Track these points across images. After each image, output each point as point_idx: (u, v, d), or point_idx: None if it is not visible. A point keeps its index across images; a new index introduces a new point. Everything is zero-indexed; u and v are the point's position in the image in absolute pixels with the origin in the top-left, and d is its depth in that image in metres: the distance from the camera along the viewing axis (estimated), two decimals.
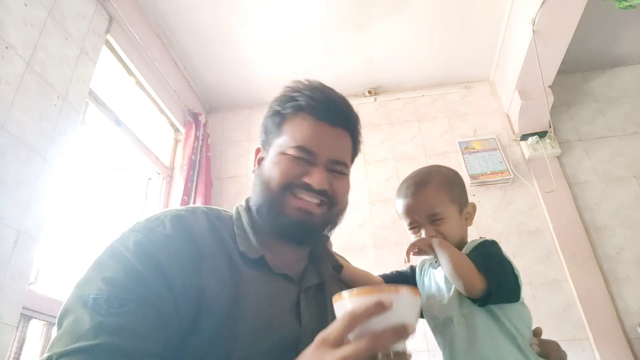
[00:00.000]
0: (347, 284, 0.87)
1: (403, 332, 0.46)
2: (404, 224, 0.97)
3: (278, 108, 0.77)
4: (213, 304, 0.61)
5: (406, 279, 0.98)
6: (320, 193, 0.71)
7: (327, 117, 0.74)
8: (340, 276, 0.86)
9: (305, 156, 0.71)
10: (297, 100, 0.74)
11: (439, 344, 0.88)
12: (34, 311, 1.37)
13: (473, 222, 0.97)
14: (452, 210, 0.92)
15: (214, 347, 0.59)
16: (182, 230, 0.65)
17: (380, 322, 0.46)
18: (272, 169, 0.73)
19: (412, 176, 0.99)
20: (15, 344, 1.28)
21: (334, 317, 0.51)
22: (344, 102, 0.77)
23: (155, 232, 0.64)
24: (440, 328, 0.86)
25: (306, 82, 0.77)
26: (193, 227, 0.67)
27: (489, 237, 0.91)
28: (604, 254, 2.23)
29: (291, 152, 0.72)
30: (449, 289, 0.87)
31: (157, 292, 0.58)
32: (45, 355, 0.52)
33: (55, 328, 0.58)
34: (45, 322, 1.42)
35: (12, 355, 1.26)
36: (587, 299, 2.11)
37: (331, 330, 0.47)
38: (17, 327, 1.27)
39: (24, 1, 1.41)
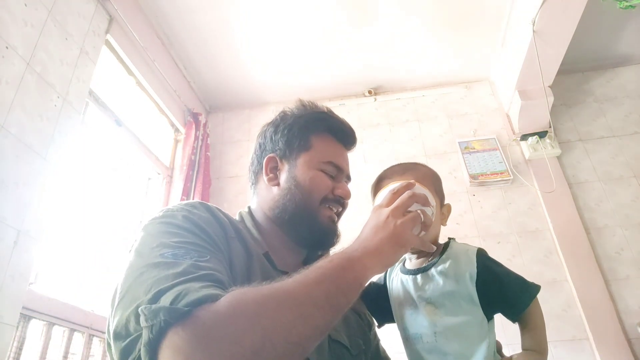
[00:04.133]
0: None
1: (425, 198, 0.72)
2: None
3: (306, 125, 0.84)
4: (235, 282, 0.63)
5: (379, 288, 0.91)
6: (343, 203, 0.84)
7: (346, 143, 0.89)
8: None
9: (334, 172, 0.83)
10: (326, 122, 0.86)
11: (408, 357, 0.82)
12: (34, 311, 1.37)
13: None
14: (435, 201, 0.84)
15: None
16: (212, 213, 0.70)
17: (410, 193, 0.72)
18: (310, 182, 0.80)
19: (395, 165, 0.93)
20: (15, 344, 1.28)
21: None
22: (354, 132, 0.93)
23: (194, 213, 0.67)
24: (411, 341, 0.80)
25: (326, 108, 0.89)
26: (217, 213, 0.72)
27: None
28: (603, 253, 2.23)
29: (324, 167, 0.82)
30: (422, 303, 0.79)
31: (220, 250, 0.64)
32: (151, 294, 0.49)
33: (118, 291, 0.55)
34: (45, 322, 1.42)
35: (12, 355, 1.26)
36: (587, 299, 2.10)
37: (382, 200, 0.73)
38: (17, 327, 1.27)
39: (24, 1, 1.41)
